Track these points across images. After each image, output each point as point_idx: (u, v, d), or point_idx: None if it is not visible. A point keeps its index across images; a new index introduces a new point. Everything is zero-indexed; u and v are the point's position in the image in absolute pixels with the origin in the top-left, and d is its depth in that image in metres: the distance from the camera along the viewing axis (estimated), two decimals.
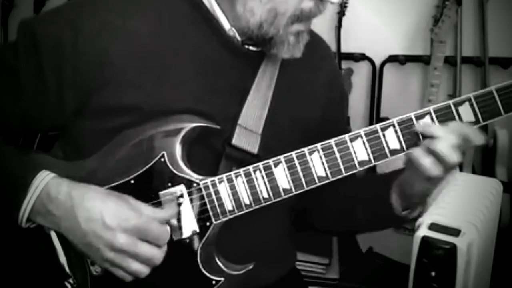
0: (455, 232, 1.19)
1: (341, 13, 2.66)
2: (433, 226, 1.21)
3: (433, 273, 1.18)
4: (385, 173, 1.21)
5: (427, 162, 1.04)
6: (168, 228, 1.04)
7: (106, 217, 0.99)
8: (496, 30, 2.61)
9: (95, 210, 0.99)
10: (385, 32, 2.73)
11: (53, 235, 1.07)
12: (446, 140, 1.03)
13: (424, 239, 1.19)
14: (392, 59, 2.74)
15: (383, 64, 2.75)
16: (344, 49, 2.68)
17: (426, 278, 1.18)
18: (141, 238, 1.00)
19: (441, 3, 2.47)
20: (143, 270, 1.01)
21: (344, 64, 2.71)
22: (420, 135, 1.06)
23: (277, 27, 1.06)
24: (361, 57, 2.75)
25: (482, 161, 2.62)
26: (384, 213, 1.17)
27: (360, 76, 2.79)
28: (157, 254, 1.01)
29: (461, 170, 2.43)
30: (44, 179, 1.02)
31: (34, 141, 1.39)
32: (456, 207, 1.33)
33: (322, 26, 2.71)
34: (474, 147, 1.07)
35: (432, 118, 1.06)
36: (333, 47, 2.67)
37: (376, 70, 2.77)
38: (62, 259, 1.08)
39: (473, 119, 1.07)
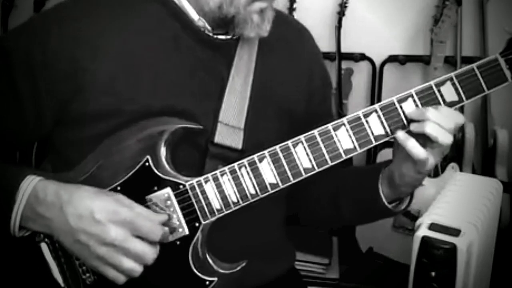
0: (455, 232, 1.19)
1: (341, 13, 2.66)
2: (433, 226, 1.21)
3: (433, 273, 1.18)
4: (373, 164, 1.19)
5: (413, 145, 1.04)
6: (161, 225, 1.03)
7: (95, 212, 0.98)
8: (496, 30, 2.61)
9: (84, 207, 0.99)
10: (385, 32, 2.73)
11: (44, 247, 1.06)
12: (436, 120, 1.02)
13: (424, 239, 1.18)
14: (392, 59, 2.74)
15: (383, 64, 2.75)
16: (344, 49, 2.67)
17: (426, 278, 1.18)
18: (132, 233, 0.99)
19: (441, 3, 2.46)
20: (135, 268, 1.00)
21: (344, 64, 2.71)
22: (404, 119, 1.06)
23: (237, 6, 1.06)
24: (361, 57, 2.75)
25: (482, 161, 2.62)
26: (372, 204, 1.16)
27: (360, 76, 2.78)
28: (149, 251, 1.00)
29: (461, 170, 2.43)
30: (31, 183, 1.02)
31: (31, 155, 1.39)
32: (456, 207, 1.33)
33: (322, 26, 2.73)
34: (456, 129, 1.06)
35: (414, 101, 1.06)
36: (333, 47, 2.67)
37: (376, 70, 2.76)
38: (55, 271, 1.07)
39: (456, 98, 1.06)
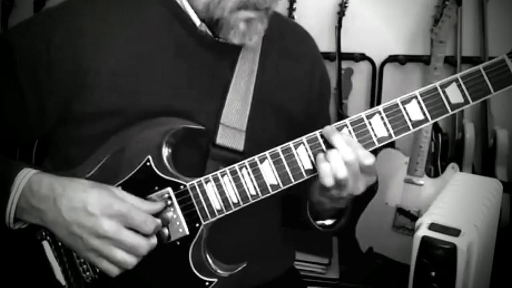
0: (455, 232, 1.19)
1: (341, 13, 2.66)
2: (433, 226, 1.21)
3: (433, 273, 1.18)
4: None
5: (319, 159, 1.04)
6: (153, 218, 1.02)
7: (88, 205, 0.98)
8: (496, 30, 2.61)
9: (77, 199, 0.99)
10: (385, 32, 2.73)
11: (46, 245, 1.07)
12: (340, 150, 1.02)
13: (424, 239, 1.18)
14: (392, 59, 2.74)
15: (383, 64, 2.75)
16: (344, 49, 2.68)
17: (426, 278, 1.18)
18: (125, 225, 0.99)
19: (441, 3, 2.46)
20: (128, 259, 1.00)
21: (344, 64, 2.71)
22: (408, 121, 1.04)
23: (223, 9, 1.06)
24: (361, 57, 2.75)
25: (482, 161, 2.62)
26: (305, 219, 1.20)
27: (360, 76, 2.78)
28: (142, 243, 1.00)
29: (461, 170, 2.43)
30: (26, 176, 1.03)
31: (31, 154, 1.39)
32: (456, 207, 1.33)
33: (322, 26, 2.73)
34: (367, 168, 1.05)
35: (418, 102, 1.04)
36: (333, 47, 2.68)
37: (376, 70, 2.77)
38: (57, 270, 1.07)
39: (461, 100, 1.04)
